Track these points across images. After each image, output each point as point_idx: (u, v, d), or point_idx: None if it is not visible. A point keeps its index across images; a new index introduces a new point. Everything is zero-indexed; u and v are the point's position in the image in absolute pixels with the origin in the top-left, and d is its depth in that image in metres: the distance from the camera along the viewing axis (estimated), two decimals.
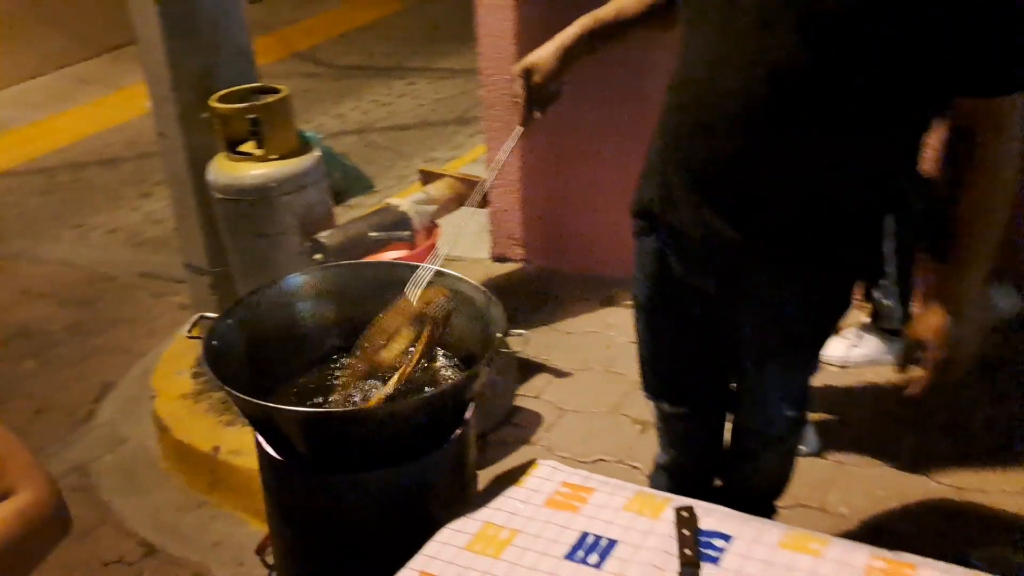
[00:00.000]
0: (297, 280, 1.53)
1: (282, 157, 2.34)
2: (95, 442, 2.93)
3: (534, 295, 3.19)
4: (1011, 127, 1.28)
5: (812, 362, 1.63)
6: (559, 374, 2.78)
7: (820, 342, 1.58)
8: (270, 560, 1.59)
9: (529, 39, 2.95)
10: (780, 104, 1.28)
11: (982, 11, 1.17)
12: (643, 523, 1.23)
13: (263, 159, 2.33)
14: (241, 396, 1.22)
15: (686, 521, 1.20)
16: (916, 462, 2.26)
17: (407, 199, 2.52)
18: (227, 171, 2.35)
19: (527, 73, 1.54)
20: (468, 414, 1.41)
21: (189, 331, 1.42)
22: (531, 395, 2.71)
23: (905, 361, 1.50)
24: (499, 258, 3.42)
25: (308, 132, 2.43)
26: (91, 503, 2.64)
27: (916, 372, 1.46)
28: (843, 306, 1.53)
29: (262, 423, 1.32)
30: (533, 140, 3.16)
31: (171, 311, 3.76)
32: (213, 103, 2.30)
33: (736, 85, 1.30)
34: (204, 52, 2.39)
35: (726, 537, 1.19)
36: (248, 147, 2.36)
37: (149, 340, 3.54)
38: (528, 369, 2.79)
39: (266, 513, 1.41)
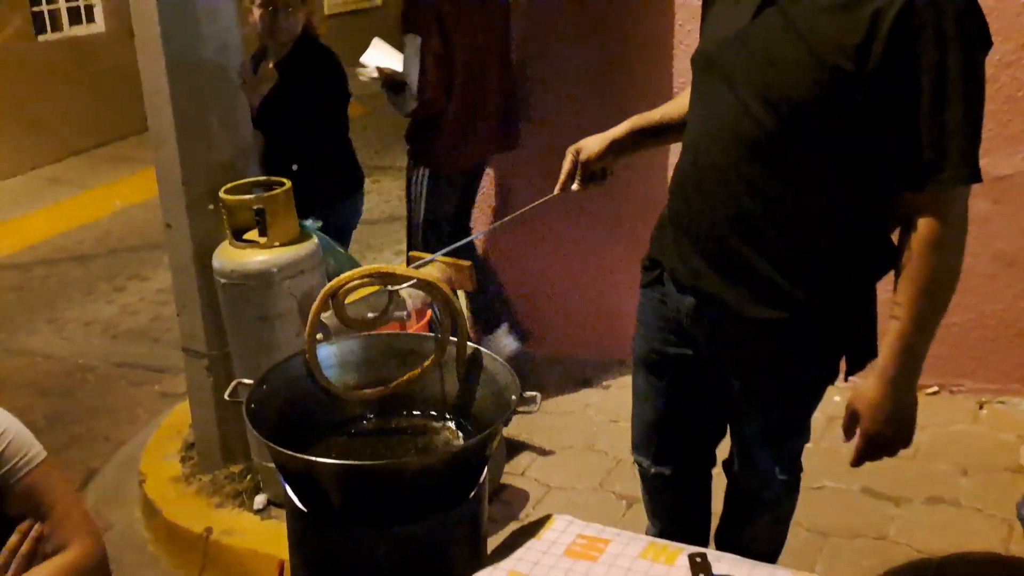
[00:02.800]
0: (323, 350, 1.64)
1: (283, 245, 2.47)
2: None
3: None
4: (949, 219, 1.38)
5: (801, 427, 1.74)
6: (543, 452, 2.88)
7: (807, 406, 1.70)
8: None
9: None
10: (755, 171, 1.46)
11: (906, 109, 1.34)
12: (659, 569, 1.33)
13: (266, 246, 2.46)
14: (284, 450, 1.31)
15: (700, 566, 1.30)
16: (900, 532, 2.36)
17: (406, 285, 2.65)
18: (232, 258, 2.47)
19: (576, 152, 1.76)
20: (484, 473, 1.51)
21: (228, 395, 1.51)
22: (516, 472, 2.80)
23: (848, 431, 1.54)
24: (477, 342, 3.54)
25: (307, 222, 2.57)
26: None
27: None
28: (829, 374, 1.63)
29: (298, 477, 1.40)
30: (509, 228, 3.33)
31: (151, 399, 3.79)
32: (223, 195, 2.44)
33: (718, 154, 1.50)
34: (214, 149, 2.54)
35: None
36: (252, 235, 2.49)
37: (131, 427, 3.56)
38: (512, 448, 2.89)
39: (291, 569, 1.48)
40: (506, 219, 1.95)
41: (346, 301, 1.54)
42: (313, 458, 1.32)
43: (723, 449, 1.87)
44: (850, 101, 1.37)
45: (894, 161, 1.39)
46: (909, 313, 1.42)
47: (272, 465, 2.63)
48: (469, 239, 2.40)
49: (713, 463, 1.90)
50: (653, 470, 1.86)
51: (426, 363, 1.60)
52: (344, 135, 3.22)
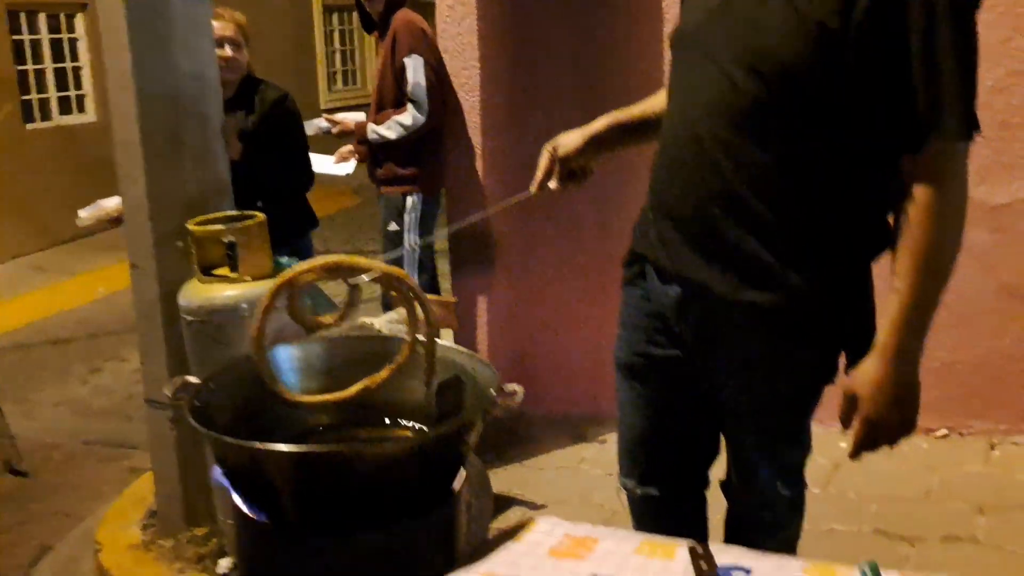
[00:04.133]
0: (284, 352, 1.50)
1: (255, 279, 2.35)
2: None
3: (504, 435, 3.15)
4: (948, 182, 1.30)
5: (800, 435, 1.60)
6: (533, 507, 2.70)
7: (804, 410, 1.56)
8: None
9: None
10: (740, 143, 1.37)
11: (896, 66, 1.27)
12: (657, 564, 1.16)
13: (237, 280, 2.34)
14: (225, 439, 1.16)
15: (702, 556, 1.14)
16: (917, 570, 2.21)
17: (381, 319, 2.53)
18: (199, 293, 2.34)
19: (553, 148, 1.67)
20: (460, 480, 1.35)
21: (171, 393, 1.36)
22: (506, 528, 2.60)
23: (846, 419, 1.42)
24: None
25: (283, 259, 2.46)
26: None
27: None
28: (827, 371, 1.51)
29: (245, 476, 1.24)
30: (497, 284, 3.24)
31: (119, 474, 3.58)
32: (191, 226, 2.33)
33: (702, 128, 1.40)
34: (185, 184, 2.46)
35: (746, 570, 1.13)
36: (222, 272, 2.38)
37: (94, 503, 3.34)
38: (501, 503, 2.70)
39: None
40: (479, 214, 1.84)
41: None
42: (257, 445, 1.16)
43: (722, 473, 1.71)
44: (838, 62, 1.30)
45: (887, 123, 1.31)
46: (909, 285, 1.32)
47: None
48: (439, 236, 2.31)
49: (706, 484, 1.73)
50: (640, 491, 1.69)
51: (392, 366, 1.45)
52: (307, 170, 3.23)
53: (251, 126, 3.00)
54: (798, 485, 1.65)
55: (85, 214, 3.04)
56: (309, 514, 1.21)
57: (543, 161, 1.70)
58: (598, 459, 2.99)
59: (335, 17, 11.56)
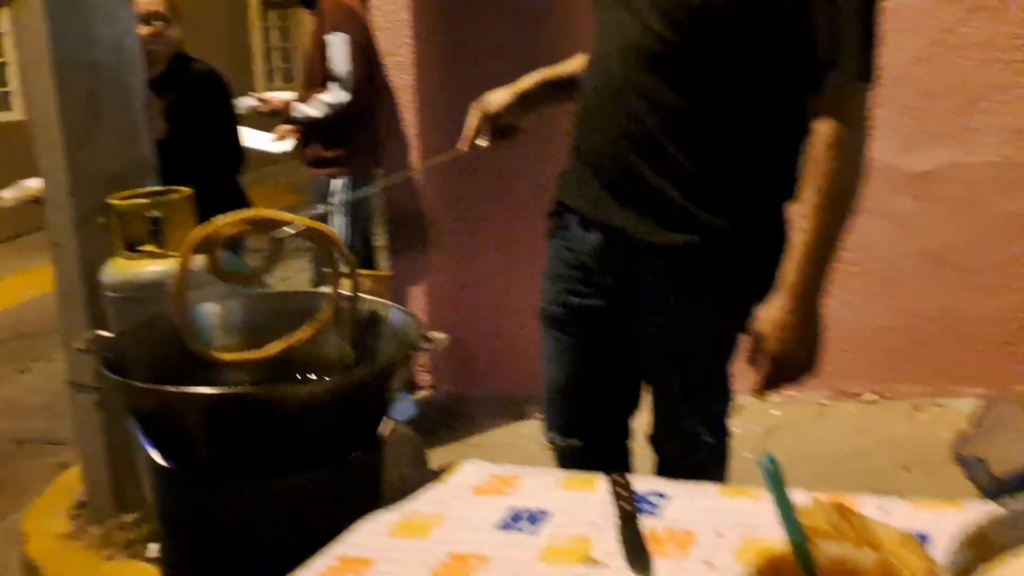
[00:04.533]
0: (203, 310, 1.47)
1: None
2: None
3: (445, 416, 3.14)
4: (849, 120, 1.34)
5: (720, 382, 1.62)
6: None
7: (722, 356, 1.58)
8: None
9: None
10: (653, 85, 1.40)
11: (803, 10, 1.31)
12: (577, 495, 1.17)
13: (162, 256, 2.29)
14: (140, 384, 1.13)
15: (620, 484, 1.15)
16: None
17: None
18: (123, 268, 2.28)
19: (483, 106, 1.67)
20: (384, 426, 1.34)
21: (83, 346, 1.32)
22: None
23: (752, 359, 1.46)
24: (408, 385, 3.37)
25: None
26: None
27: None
28: (743, 316, 1.51)
29: (159, 423, 1.21)
30: (434, 265, 3.23)
31: (48, 471, 3.47)
32: (114, 201, 2.27)
33: (618, 73, 1.43)
34: (106, 159, 2.40)
35: (663, 495, 1.14)
36: (146, 248, 2.32)
37: (21, 498, 3.24)
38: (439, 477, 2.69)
39: (160, 540, 1.27)
40: (405, 173, 1.83)
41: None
42: (173, 388, 1.13)
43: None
44: (745, 7, 1.34)
45: (791, 65, 1.36)
46: (813, 222, 1.36)
47: None
48: (375, 190, 2.27)
49: (628, 435, 1.75)
50: (563, 443, 1.70)
51: (314, 324, 1.43)
52: (236, 150, 3.15)
53: (178, 102, 2.93)
54: (722, 434, 1.68)
55: (8, 194, 2.96)
56: (225, 460, 1.19)
57: (471, 119, 1.69)
58: (537, 436, 2.96)
59: (273, 14, 11.41)
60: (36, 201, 2.84)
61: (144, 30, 2.83)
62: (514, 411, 3.16)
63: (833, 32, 1.32)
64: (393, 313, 1.46)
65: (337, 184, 3.17)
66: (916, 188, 2.75)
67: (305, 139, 3.35)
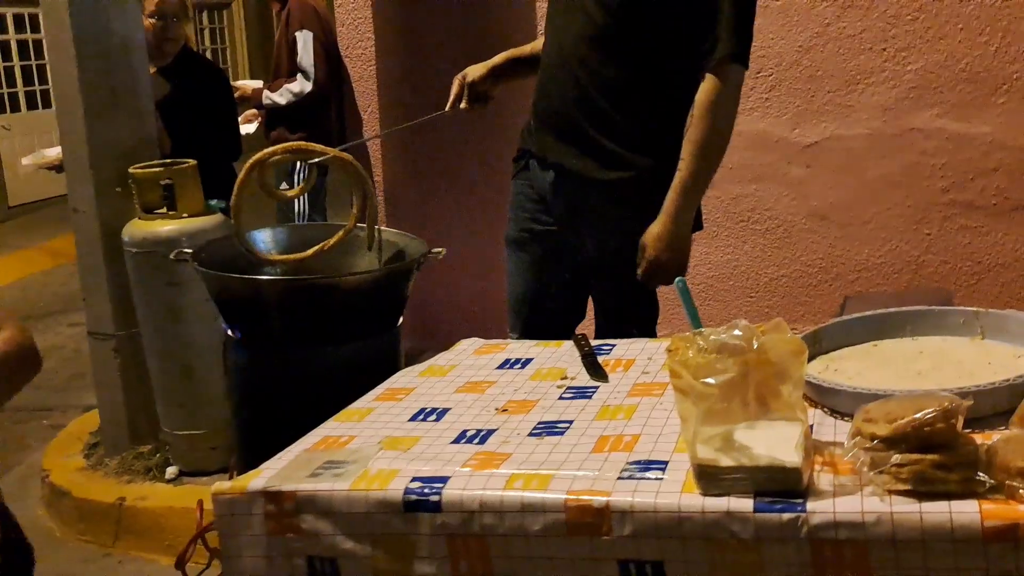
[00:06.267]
0: (255, 235, 1.89)
1: (191, 216, 2.69)
2: None
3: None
4: (722, 89, 1.79)
5: (649, 294, 2.05)
6: None
7: None
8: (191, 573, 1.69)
9: None
10: (593, 59, 1.87)
11: (699, 7, 1.78)
12: (551, 349, 1.63)
13: (175, 217, 2.68)
14: (233, 275, 1.55)
15: (580, 339, 1.62)
16: None
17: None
18: (141, 228, 2.67)
19: (463, 76, 2.11)
20: (402, 311, 1.78)
21: (174, 256, 1.73)
22: None
23: (638, 263, 1.88)
24: None
25: (212, 202, 2.80)
26: None
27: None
28: None
29: (240, 306, 1.62)
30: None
31: (41, 431, 3.76)
32: (133, 170, 2.65)
33: (567, 49, 1.91)
34: (121, 135, 2.77)
35: (612, 345, 1.62)
36: (160, 211, 2.70)
37: (21, 454, 3.53)
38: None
39: (230, 406, 1.68)
40: (394, 128, 2.25)
41: None
42: (261, 276, 1.56)
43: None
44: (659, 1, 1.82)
45: (691, 45, 1.83)
46: (688, 166, 1.83)
47: (184, 432, 2.77)
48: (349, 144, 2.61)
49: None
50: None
51: (340, 233, 1.87)
52: (236, 139, 3.51)
53: (184, 92, 3.27)
54: (651, 332, 2.16)
55: (28, 161, 3.27)
56: (292, 333, 1.62)
57: (455, 87, 2.14)
58: None
59: (206, 15, 11.58)
60: (53, 168, 3.16)
61: (157, 25, 3.19)
62: None
63: (714, 25, 1.80)
64: (401, 237, 1.91)
65: (299, 165, 3.48)
66: (806, 158, 3.30)
67: (270, 123, 3.78)
